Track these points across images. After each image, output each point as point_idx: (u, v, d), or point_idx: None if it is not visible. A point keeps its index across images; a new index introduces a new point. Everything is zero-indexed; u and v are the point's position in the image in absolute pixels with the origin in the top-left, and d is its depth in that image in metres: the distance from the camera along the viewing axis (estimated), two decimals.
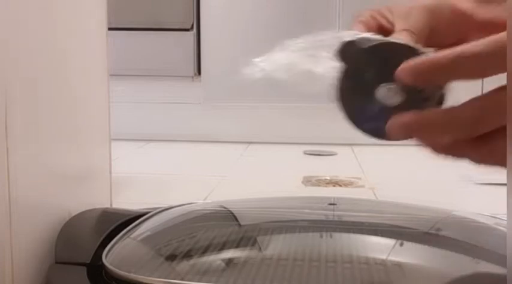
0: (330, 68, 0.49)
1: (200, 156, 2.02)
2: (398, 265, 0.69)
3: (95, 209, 0.88)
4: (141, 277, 0.66)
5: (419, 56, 0.46)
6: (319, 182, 1.59)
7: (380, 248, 0.73)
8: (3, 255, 0.72)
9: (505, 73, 0.42)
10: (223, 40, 2.19)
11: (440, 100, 0.48)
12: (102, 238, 0.78)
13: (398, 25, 0.55)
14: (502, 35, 0.42)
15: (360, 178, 1.64)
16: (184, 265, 0.70)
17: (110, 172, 1.06)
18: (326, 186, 1.55)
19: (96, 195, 1.01)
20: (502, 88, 0.43)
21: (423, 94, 0.47)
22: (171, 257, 0.72)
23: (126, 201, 1.24)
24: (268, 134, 2.21)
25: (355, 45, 0.49)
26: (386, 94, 0.48)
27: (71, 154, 0.91)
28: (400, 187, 1.56)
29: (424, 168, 1.75)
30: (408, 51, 0.47)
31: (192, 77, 2.23)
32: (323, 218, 0.84)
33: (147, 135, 2.22)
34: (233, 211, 0.86)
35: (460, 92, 0.48)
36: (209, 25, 2.19)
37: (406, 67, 0.46)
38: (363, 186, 1.54)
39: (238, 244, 0.73)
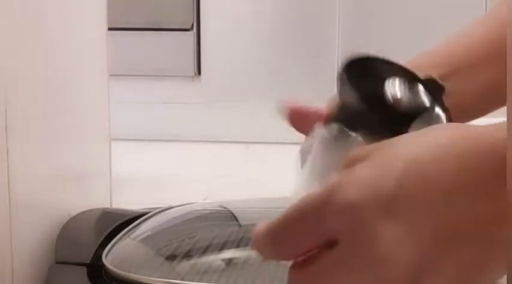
0: None
1: (200, 156, 2.02)
2: None
3: (95, 209, 0.88)
4: (141, 277, 0.66)
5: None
6: None
7: None
8: (3, 255, 0.72)
9: None
10: (223, 40, 2.19)
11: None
12: (102, 238, 0.78)
13: None
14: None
15: None
16: (184, 265, 0.70)
17: (110, 172, 1.06)
18: None
19: (96, 195, 1.01)
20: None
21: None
22: (171, 257, 0.72)
23: (126, 201, 1.24)
24: (268, 134, 2.21)
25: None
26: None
27: (71, 154, 0.91)
28: None
29: None
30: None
31: (192, 77, 2.23)
32: None
33: (147, 135, 2.21)
34: (233, 211, 0.86)
35: None
36: (209, 25, 2.19)
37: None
38: None
39: (238, 244, 0.73)
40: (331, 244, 0.36)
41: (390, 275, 0.34)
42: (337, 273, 0.36)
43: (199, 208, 0.92)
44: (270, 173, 1.76)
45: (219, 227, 0.82)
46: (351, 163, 0.37)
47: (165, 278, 0.66)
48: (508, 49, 0.36)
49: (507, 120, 0.35)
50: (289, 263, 0.39)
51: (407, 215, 0.34)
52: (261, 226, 0.40)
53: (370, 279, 0.35)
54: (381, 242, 0.34)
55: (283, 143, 2.22)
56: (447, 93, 0.48)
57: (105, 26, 1.03)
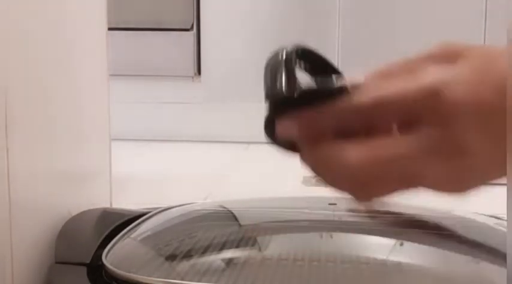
0: None
1: (200, 156, 2.02)
2: (398, 264, 0.69)
3: (95, 209, 0.88)
4: (141, 277, 0.66)
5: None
6: (319, 182, 1.59)
7: (380, 248, 0.73)
8: (3, 255, 0.72)
9: None
10: (223, 40, 2.19)
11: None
12: (102, 238, 0.78)
13: None
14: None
15: None
16: (184, 265, 0.70)
17: (110, 172, 1.06)
18: (326, 186, 1.54)
19: (96, 195, 1.01)
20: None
21: None
22: (171, 257, 0.72)
23: (126, 201, 1.24)
24: None
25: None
26: None
27: (71, 154, 0.91)
28: None
29: None
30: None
31: (192, 77, 2.23)
32: (323, 218, 0.84)
33: (147, 135, 2.21)
34: (233, 211, 0.86)
35: None
36: (209, 25, 2.19)
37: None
38: None
39: (238, 244, 0.73)
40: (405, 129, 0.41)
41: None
42: (422, 157, 0.42)
43: (199, 208, 0.92)
44: (269, 173, 1.76)
45: (219, 227, 0.82)
46: (452, 58, 0.40)
47: (165, 278, 0.65)
48: (507, 49, 0.36)
49: (507, 120, 0.35)
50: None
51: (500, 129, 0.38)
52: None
53: (448, 168, 0.43)
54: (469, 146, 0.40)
55: None
56: None
57: (105, 26, 1.03)
